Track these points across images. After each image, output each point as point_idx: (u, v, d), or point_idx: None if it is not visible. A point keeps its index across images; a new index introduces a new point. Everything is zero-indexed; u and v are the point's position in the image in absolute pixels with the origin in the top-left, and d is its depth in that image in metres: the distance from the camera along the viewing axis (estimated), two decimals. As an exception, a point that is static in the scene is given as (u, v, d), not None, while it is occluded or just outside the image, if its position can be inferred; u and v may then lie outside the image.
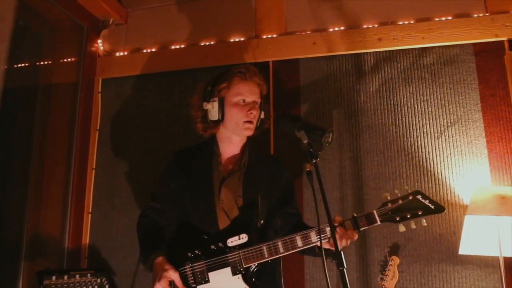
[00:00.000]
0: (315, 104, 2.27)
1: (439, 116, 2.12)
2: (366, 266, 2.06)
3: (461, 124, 2.09)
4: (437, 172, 2.07)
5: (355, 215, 1.43)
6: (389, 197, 1.43)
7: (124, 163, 2.44)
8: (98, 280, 1.99)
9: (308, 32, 2.31)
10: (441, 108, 2.13)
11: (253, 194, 1.53)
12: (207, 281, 1.46)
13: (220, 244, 1.48)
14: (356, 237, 1.40)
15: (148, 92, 2.50)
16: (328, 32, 2.28)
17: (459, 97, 2.12)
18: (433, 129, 2.12)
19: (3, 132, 2.15)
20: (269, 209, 1.54)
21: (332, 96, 2.26)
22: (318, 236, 1.39)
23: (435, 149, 2.09)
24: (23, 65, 2.39)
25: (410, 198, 1.40)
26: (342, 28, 2.27)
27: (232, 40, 2.40)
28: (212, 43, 2.42)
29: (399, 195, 1.42)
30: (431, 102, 2.15)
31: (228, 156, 1.63)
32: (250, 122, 1.55)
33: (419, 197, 1.39)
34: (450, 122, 2.10)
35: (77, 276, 1.97)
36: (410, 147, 2.12)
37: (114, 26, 2.58)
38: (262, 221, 1.51)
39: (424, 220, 1.40)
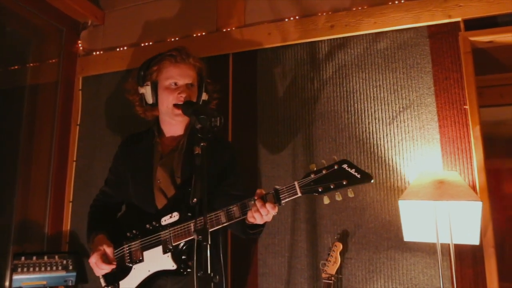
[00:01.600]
0: (271, 93, 2.30)
1: (391, 101, 2.09)
2: (316, 253, 2.07)
3: (414, 108, 2.04)
4: (388, 158, 2.03)
5: (276, 187, 1.38)
6: (315, 168, 1.34)
7: (102, 156, 2.60)
8: (64, 262, 2.16)
9: (264, 24, 2.34)
10: (394, 93, 2.09)
11: (190, 173, 1.55)
12: (142, 260, 1.53)
13: (154, 223, 1.54)
14: (275, 209, 1.35)
15: (123, 88, 2.64)
16: (283, 22, 2.30)
17: (412, 81, 2.07)
18: (385, 114, 2.08)
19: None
20: (205, 188, 1.57)
21: (287, 85, 2.28)
22: (227, 213, 1.41)
23: (387, 135, 2.06)
24: (11, 68, 2.63)
25: (336, 167, 1.31)
26: (296, 17, 2.28)
27: (195, 35, 2.48)
28: (177, 39, 2.52)
29: (325, 165, 1.35)
30: (383, 88, 2.11)
31: (171, 136, 1.69)
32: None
33: (344, 166, 1.29)
34: (403, 107, 2.06)
35: (45, 257, 2.15)
36: (361, 134, 2.10)
37: (93, 27, 2.75)
38: (194, 200, 1.50)
39: (351, 191, 1.32)
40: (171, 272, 1.48)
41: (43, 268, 2.11)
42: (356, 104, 2.14)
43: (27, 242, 2.53)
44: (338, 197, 1.33)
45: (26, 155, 2.60)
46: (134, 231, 1.56)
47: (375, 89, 2.12)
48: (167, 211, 1.54)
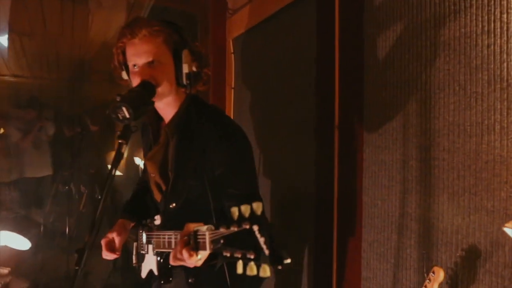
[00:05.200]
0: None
1: None
2: (428, 268, 1.32)
3: None
4: None
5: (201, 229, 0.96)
6: (236, 213, 0.81)
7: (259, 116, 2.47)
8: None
9: None
10: None
11: (178, 170, 1.34)
12: (147, 252, 1.48)
13: (149, 221, 1.47)
14: (191, 259, 0.97)
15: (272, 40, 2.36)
16: None
17: None
18: None
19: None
20: (191, 190, 1.32)
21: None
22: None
23: None
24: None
25: (247, 227, 0.80)
26: None
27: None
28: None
29: (236, 214, 0.81)
30: None
31: (169, 118, 1.39)
32: None
33: (255, 228, 0.78)
34: None
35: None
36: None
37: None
38: (173, 204, 1.34)
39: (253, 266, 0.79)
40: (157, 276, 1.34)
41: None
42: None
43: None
44: (240, 269, 0.81)
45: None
46: (148, 220, 1.48)
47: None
48: (161, 206, 1.39)
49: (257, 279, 1.42)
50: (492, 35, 1.15)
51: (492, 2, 1.15)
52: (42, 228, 3.89)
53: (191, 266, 1.01)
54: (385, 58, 1.51)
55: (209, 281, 1.29)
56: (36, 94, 5.02)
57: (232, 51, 2.72)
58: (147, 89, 1.19)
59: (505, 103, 1.12)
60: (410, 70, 1.41)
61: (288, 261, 0.78)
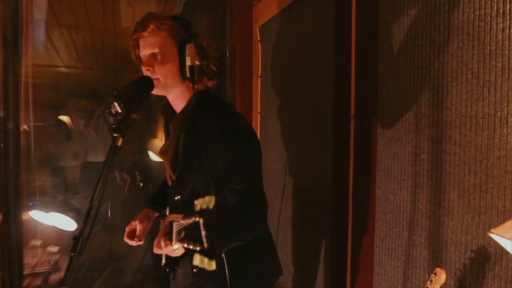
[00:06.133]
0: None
1: None
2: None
3: None
4: None
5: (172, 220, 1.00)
6: (198, 206, 0.87)
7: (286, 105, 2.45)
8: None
9: None
10: None
11: (183, 164, 1.37)
12: None
13: (165, 211, 1.51)
14: (167, 248, 1.02)
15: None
16: None
17: None
18: None
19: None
20: (195, 183, 1.33)
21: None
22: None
23: None
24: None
25: (196, 220, 0.86)
26: None
27: None
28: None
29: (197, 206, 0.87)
30: None
31: (179, 111, 1.43)
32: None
33: (200, 221, 0.84)
34: None
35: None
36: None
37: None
38: (178, 196, 1.36)
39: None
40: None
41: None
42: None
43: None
44: (197, 261, 0.84)
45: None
46: (166, 211, 1.52)
47: None
48: (170, 199, 1.42)
49: (257, 270, 1.43)
50: (508, 17, 1.04)
51: (508, -20, 1.04)
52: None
53: (172, 255, 1.04)
54: (399, 43, 1.42)
55: (211, 271, 1.32)
56: (87, 83, 5.36)
57: (259, 39, 2.69)
58: (143, 84, 1.23)
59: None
60: (423, 57, 1.31)
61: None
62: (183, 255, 1.18)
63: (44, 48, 4.70)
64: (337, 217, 1.73)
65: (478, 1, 1.12)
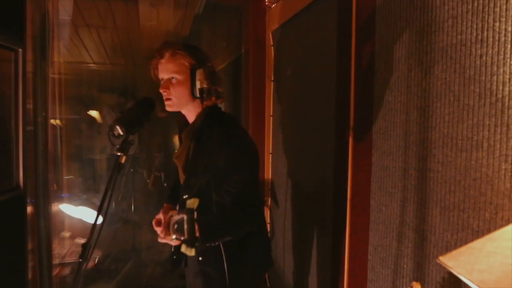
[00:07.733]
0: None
1: None
2: (422, 282, 1.31)
3: None
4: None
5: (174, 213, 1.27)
6: (187, 205, 1.17)
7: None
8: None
9: None
10: None
11: (191, 169, 1.52)
12: None
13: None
14: (166, 238, 1.26)
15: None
16: None
17: None
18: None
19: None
20: (201, 185, 1.48)
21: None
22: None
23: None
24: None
25: (182, 216, 1.16)
26: None
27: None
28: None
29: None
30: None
31: (191, 121, 1.63)
32: (167, 99, 1.51)
33: (184, 218, 1.14)
34: None
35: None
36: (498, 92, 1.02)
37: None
38: (186, 196, 1.49)
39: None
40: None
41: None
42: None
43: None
44: (183, 248, 1.15)
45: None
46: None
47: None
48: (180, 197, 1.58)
49: (253, 259, 1.58)
50: (485, 44, 1.07)
51: (486, 8, 1.07)
52: (113, 205, 4.37)
53: (173, 244, 1.34)
54: (392, 60, 1.47)
55: (213, 259, 1.48)
56: (116, 79, 5.61)
57: (272, 43, 2.76)
58: (144, 106, 1.36)
59: (493, 119, 1.05)
60: (413, 76, 1.36)
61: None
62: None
63: (75, 46, 4.95)
64: (336, 222, 1.80)
65: (460, 26, 1.15)
